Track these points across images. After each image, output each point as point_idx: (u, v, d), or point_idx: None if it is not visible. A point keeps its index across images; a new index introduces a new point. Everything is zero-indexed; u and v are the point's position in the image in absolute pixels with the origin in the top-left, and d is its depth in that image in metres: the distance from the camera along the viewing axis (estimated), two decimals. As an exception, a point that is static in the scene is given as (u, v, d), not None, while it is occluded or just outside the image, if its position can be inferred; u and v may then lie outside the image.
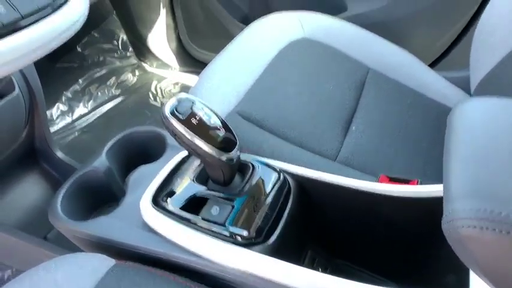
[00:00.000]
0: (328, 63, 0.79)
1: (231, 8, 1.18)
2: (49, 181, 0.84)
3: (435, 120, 0.77)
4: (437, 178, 0.64)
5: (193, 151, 0.40)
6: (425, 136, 0.73)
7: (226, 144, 0.41)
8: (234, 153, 0.41)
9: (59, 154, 0.82)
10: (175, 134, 0.40)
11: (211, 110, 0.42)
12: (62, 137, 1.06)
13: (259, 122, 0.62)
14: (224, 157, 0.41)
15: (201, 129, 0.40)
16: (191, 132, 0.39)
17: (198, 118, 0.40)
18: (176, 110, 0.40)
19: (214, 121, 0.41)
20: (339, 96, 0.73)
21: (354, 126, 0.68)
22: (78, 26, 0.49)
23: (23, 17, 0.43)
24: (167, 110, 0.39)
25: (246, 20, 1.17)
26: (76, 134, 1.08)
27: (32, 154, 0.83)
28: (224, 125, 0.42)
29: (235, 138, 0.42)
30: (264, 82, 0.69)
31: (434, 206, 0.42)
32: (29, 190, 0.83)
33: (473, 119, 0.28)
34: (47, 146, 0.81)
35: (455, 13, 0.95)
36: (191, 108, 0.40)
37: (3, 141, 0.73)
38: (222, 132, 0.41)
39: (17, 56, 0.42)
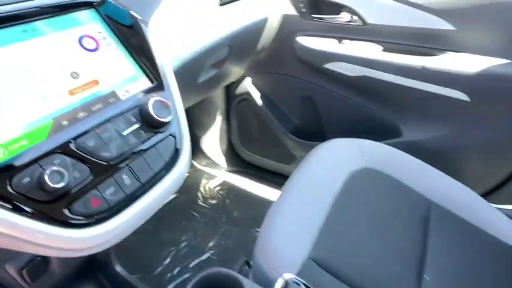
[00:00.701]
0: (391, 196, 0.80)
1: (283, 119, 1.24)
2: (103, 295, 0.84)
3: (506, 266, 0.75)
4: None
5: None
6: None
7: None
8: None
9: (118, 268, 0.83)
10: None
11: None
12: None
13: (333, 270, 0.62)
14: None
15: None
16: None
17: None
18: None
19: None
20: (408, 237, 0.73)
21: (426, 276, 0.67)
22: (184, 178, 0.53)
23: (143, 185, 0.46)
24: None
25: (296, 131, 1.23)
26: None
27: (91, 266, 0.83)
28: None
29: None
30: (334, 222, 0.70)
31: None
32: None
33: None
34: (109, 258, 0.82)
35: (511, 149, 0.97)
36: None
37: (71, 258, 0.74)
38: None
39: (137, 221, 0.45)
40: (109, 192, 0.43)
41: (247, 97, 1.26)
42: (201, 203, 1.25)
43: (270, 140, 1.28)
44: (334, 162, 0.84)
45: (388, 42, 0.97)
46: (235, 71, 1.12)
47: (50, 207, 0.38)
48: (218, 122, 1.33)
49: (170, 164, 0.51)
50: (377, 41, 0.98)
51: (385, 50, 0.97)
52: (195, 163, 1.41)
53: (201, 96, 1.11)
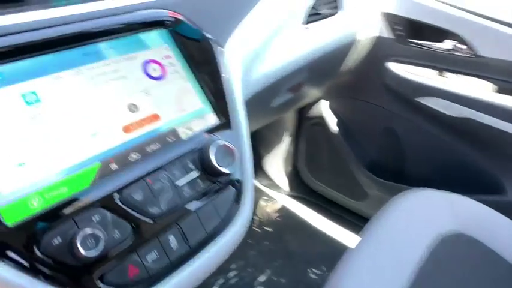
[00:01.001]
0: (490, 276, 0.65)
1: (358, 149, 1.11)
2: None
3: None
4: None
5: None
6: None
7: None
8: None
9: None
10: None
11: None
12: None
13: None
14: None
15: None
16: None
17: None
18: None
19: None
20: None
21: None
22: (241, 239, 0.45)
23: (191, 249, 0.39)
24: None
25: (372, 166, 1.09)
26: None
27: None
28: None
29: None
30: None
31: None
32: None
33: None
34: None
35: None
36: None
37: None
38: None
39: None
40: (150, 258, 0.36)
41: (320, 121, 1.15)
42: (256, 229, 1.17)
43: (340, 170, 1.16)
44: (421, 220, 0.70)
45: (504, 80, 0.80)
46: (311, 94, 1.02)
47: (78, 275, 0.32)
48: (285, 143, 1.24)
49: (226, 222, 0.42)
50: (489, 77, 0.81)
51: (498, 90, 0.80)
52: (255, 182, 1.34)
53: (272, 118, 1.02)
